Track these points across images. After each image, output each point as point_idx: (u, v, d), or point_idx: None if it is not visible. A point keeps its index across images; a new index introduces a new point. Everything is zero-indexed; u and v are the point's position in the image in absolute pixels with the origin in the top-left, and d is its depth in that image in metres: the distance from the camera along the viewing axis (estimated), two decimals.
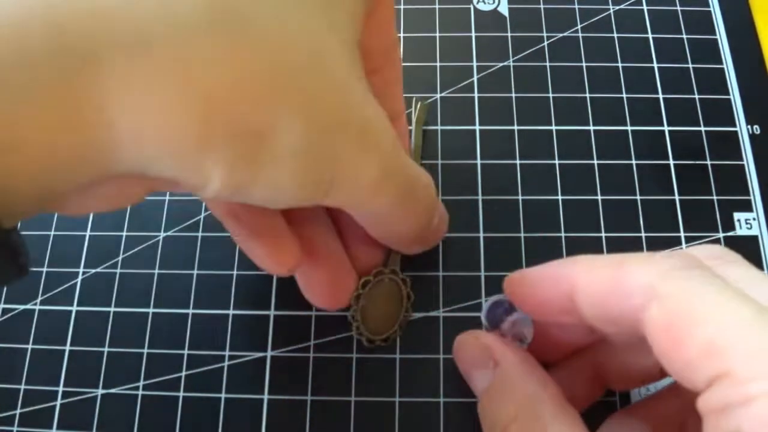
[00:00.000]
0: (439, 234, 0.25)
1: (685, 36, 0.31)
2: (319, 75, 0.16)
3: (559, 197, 0.27)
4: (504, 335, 0.22)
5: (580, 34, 0.31)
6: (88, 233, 0.27)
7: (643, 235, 0.26)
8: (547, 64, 0.30)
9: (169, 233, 0.27)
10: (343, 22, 0.17)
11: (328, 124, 0.16)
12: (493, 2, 0.32)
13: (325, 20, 0.16)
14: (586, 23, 0.31)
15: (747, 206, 0.27)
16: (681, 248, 0.26)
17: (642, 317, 0.15)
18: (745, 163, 0.28)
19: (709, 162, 0.28)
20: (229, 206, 0.21)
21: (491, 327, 0.23)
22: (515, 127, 0.29)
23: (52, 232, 0.27)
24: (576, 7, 0.32)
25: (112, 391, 0.25)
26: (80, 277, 0.27)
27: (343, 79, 0.17)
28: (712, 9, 0.31)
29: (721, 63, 0.30)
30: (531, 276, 0.20)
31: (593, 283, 0.17)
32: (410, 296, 0.25)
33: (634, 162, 0.28)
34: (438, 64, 0.30)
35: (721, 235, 0.26)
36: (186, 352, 0.25)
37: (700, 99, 0.29)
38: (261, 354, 0.25)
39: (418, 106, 0.28)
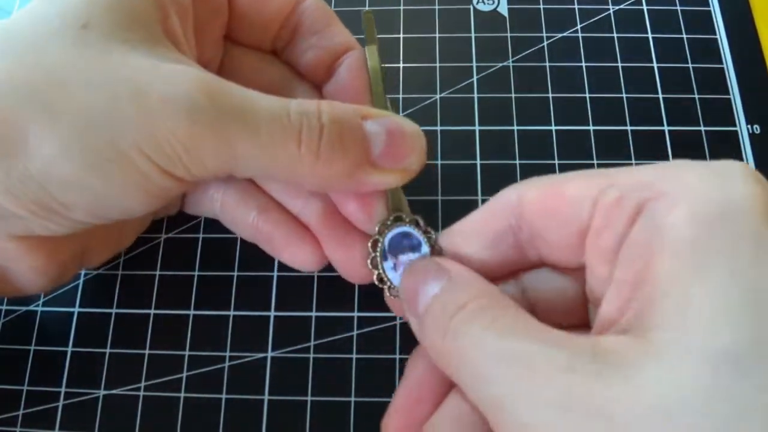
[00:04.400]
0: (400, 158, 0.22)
1: (685, 36, 0.31)
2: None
3: None
4: (396, 266, 0.22)
5: (580, 34, 0.31)
6: None
7: None
8: (547, 64, 0.30)
9: (170, 235, 0.27)
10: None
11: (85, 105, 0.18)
12: (493, 2, 0.32)
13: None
14: (585, 23, 0.31)
15: None
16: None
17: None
18: (745, 162, 0.28)
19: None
20: (253, 229, 0.24)
21: (388, 251, 0.22)
22: (515, 128, 0.29)
23: None
24: (576, 7, 0.31)
25: (114, 392, 0.25)
26: (82, 279, 0.27)
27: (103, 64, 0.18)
28: (712, 9, 0.31)
29: (721, 63, 0.30)
30: (468, 226, 0.20)
31: (540, 194, 0.18)
32: (430, 232, 0.23)
33: (633, 162, 0.28)
34: (438, 64, 0.30)
35: None
36: (187, 353, 0.25)
37: (700, 99, 0.29)
38: (261, 355, 0.25)
39: (371, 49, 0.24)
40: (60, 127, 0.18)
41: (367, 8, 0.32)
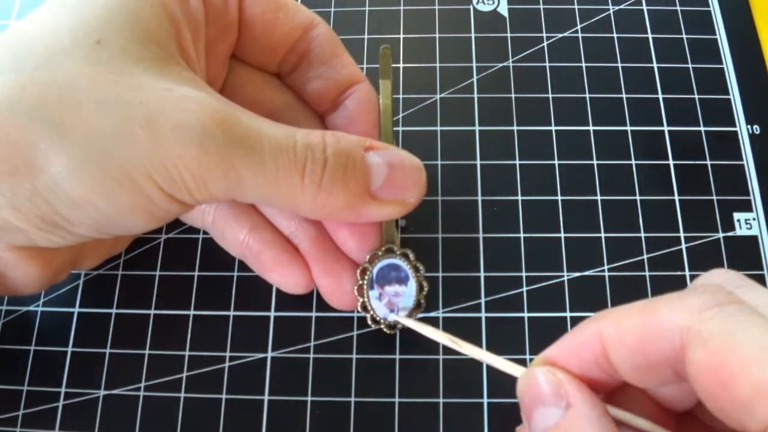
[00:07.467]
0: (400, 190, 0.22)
1: (685, 36, 0.31)
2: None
3: (559, 197, 0.27)
4: (381, 296, 0.23)
5: (579, 35, 0.31)
6: None
7: (642, 235, 0.26)
8: (547, 64, 0.30)
9: (170, 235, 0.27)
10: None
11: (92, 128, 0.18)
12: (493, 3, 0.32)
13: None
14: (585, 23, 0.31)
15: (747, 206, 0.27)
16: (681, 248, 0.26)
17: (684, 361, 0.15)
18: (744, 163, 0.28)
19: (708, 162, 0.28)
20: (242, 246, 0.24)
21: (375, 281, 0.23)
22: (515, 128, 0.29)
23: None
24: (576, 7, 0.31)
25: (114, 392, 0.25)
26: (82, 279, 0.27)
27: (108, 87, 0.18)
28: (712, 9, 0.31)
29: (721, 63, 0.30)
30: (557, 355, 0.18)
31: (624, 336, 0.16)
32: (418, 268, 0.24)
33: (633, 162, 0.28)
34: (438, 64, 0.30)
35: (720, 235, 0.26)
36: (187, 353, 0.25)
37: (699, 99, 0.29)
38: (261, 355, 0.25)
39: (384, 84, 0.25)
40: (70, 145, 0.18)
41: (368, 7, 0.32)
